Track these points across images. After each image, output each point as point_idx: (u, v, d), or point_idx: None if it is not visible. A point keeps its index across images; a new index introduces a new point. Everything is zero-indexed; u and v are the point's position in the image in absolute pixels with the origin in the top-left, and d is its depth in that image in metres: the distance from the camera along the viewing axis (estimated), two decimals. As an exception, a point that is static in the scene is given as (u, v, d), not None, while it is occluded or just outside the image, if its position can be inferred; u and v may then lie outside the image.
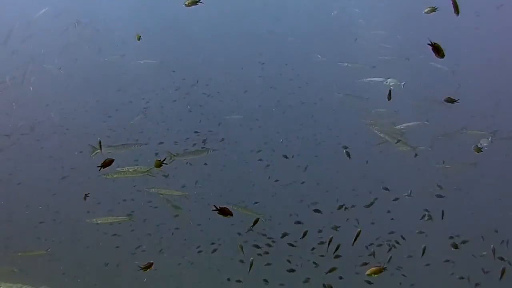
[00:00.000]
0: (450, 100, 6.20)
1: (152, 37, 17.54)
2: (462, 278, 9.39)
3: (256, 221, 5.88)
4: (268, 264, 9.57)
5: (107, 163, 5.64)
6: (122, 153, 8.00)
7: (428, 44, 3.76)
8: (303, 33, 19.47)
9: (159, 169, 7.64)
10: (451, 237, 9.06)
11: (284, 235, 9.03)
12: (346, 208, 8.79)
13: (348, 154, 8.91)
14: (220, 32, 20.33)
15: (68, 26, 16.82)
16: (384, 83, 10.17)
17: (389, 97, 5.83)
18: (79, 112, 14.83)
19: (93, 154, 7.43)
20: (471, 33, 15.82)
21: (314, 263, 9.76)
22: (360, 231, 7.43)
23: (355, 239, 7.35)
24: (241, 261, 9.88)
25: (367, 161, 11.29)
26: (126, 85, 15.75)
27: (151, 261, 5.98)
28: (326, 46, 17.59)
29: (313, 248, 9.71)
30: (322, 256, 9.50)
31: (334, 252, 7.53)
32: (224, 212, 4.66)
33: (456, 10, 4.95)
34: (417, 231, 9.36)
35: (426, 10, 5.42)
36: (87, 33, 17.28)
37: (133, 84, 15.73)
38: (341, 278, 8.68)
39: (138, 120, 13.03)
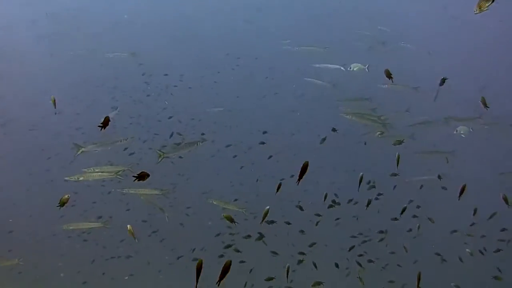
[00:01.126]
0: (443, 81, 6.77)
1: (124, 30, 16.90)
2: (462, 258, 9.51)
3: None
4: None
5: (106, 121, 5.28)
6: (99, 152, 7.73)
7: None
8: (282, 23, 18.89)
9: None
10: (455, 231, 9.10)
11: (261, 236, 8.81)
12: (333, 205, 8.65)
13: (334, 129, 9.13)
14: (195, 22, 19.62)
15: (38, 17, 16.08)
16: (348, 69, 9.86)
17: (388, 79, 5.71)
18: (48, 110, 14.11)
19: (77, 152, 7.48)
20: (455, 18, 15.60)
21: (302, 253, 9.68)
22: None
23: None
24: (221, 256, 9.58)
25: (365, 143, 10.95)
26: (96, 80, 15.04)
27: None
28: (304, 34, 17.11)
29: (301, 255, 9.58)
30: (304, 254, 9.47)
31: (366, 207, 7.84)
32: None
33: None
34: (407, 229, 9.27)
35: None
36: (57, 25, 16.51)
37: (103, 78, 15.03)
38: (337, 265, 9.22)
39: (112, 116, 12.46)
